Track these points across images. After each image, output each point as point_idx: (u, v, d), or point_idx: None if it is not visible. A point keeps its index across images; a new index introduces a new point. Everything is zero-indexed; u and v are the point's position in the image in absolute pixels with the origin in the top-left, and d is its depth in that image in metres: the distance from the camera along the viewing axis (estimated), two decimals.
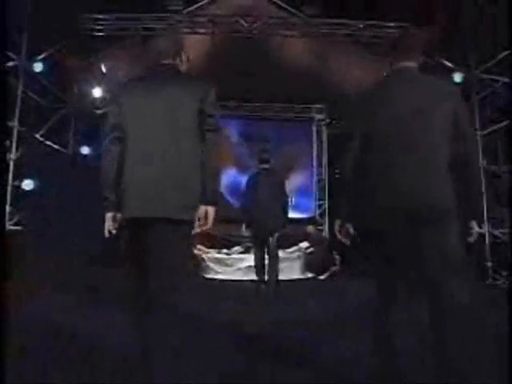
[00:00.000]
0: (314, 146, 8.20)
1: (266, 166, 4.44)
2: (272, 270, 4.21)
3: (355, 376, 1.95)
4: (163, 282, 1.66)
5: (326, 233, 7.73)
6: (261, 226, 4.29)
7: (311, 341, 2.52)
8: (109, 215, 1.82)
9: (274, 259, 4.28)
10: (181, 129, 1.79)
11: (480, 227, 1.72)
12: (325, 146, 8.14)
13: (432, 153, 1.65)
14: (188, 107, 1.78)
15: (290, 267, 6.09)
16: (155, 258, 1.71)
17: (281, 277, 4.90)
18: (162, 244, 1.72)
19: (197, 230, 1.77)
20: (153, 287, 1.67)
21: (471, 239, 1.70)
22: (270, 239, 4.22)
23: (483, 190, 4.54)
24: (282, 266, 5.17)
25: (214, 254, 6.48)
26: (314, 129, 8.23)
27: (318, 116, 8.17)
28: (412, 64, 1.76)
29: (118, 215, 1.79)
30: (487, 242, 5.12)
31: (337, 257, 6.62)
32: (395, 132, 1.68)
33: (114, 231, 1.81)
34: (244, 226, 4.40)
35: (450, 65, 5.50)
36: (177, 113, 1.78)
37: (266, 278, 4.21)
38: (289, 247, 6.50)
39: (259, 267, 4.34)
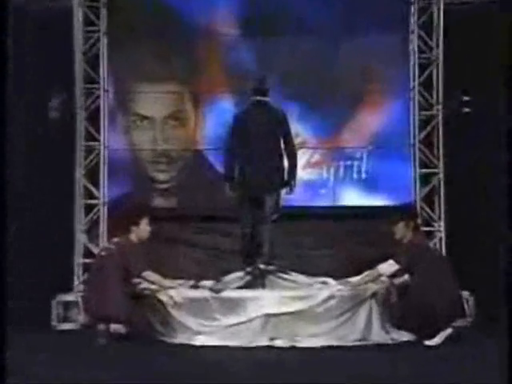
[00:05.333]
0: (412, 47, 6.54)
1: (262, 98, 5.45)
2: (265, 244, 5.31)
3: None
4: None
5: (440, 240, 6.45)
6: (250, 182, 5.28)
7: None
8: None
9: (267, 231, 5.31)
10: None
11: None
12: (439, 44, 6.36)
13: None
14: None
15: (351, 318, 5.31)
16: None
17: (331, 341, 5.15)
18: None
19: None
20: None
21: None
22: (263, 201, 5.29)
23: None
24: (330, 314, 5.25)
25: (185, 290, 5.58)
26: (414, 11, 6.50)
27: None
28: None
29: None
30: None
31: (468, 297, 5.93)
32: None
33: None
34: (228, 186, 5.43)
35: None
36: None
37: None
38: (349, 275, 5.76)
39: (247, 246, 5.37)
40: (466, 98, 6.41)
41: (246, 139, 5.43)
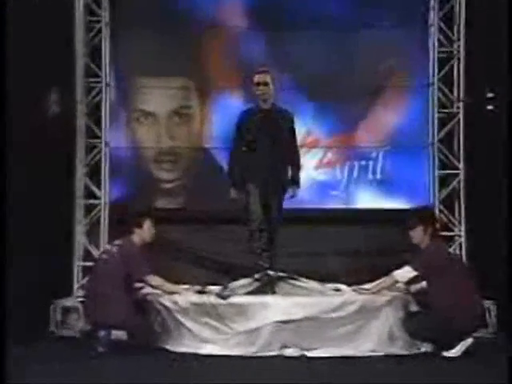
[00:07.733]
0: (432, 41, 6.45)
1: (267, 106, 5.51)
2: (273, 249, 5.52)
3: None
4: None
5: (460, 245, 6.48)
6: (260, 183, 5.48)
7: None
8: None
9: (275, 236, 5.51)
10: None
11: None
12: (461, 37, 6.29)
13: None
14: None
15: (365, 327, 5.19)
16: None
17: (345, 351, 5.18)
18: None
19: None
20: None
21: None
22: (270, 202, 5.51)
23: None
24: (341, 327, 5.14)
25: (191, 296, 5.47)
26: (435, 2, 6.43)
27: None
28: None
29: None
30: None
31: (491, 305, 5.77)
32: None
33: None
34: (232, 187, 5.60)
35: None
36: None
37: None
38: (364, 281, 5.69)
39: (258, 249, 5.52)
40: (490, 95, 6.31)
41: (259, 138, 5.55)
